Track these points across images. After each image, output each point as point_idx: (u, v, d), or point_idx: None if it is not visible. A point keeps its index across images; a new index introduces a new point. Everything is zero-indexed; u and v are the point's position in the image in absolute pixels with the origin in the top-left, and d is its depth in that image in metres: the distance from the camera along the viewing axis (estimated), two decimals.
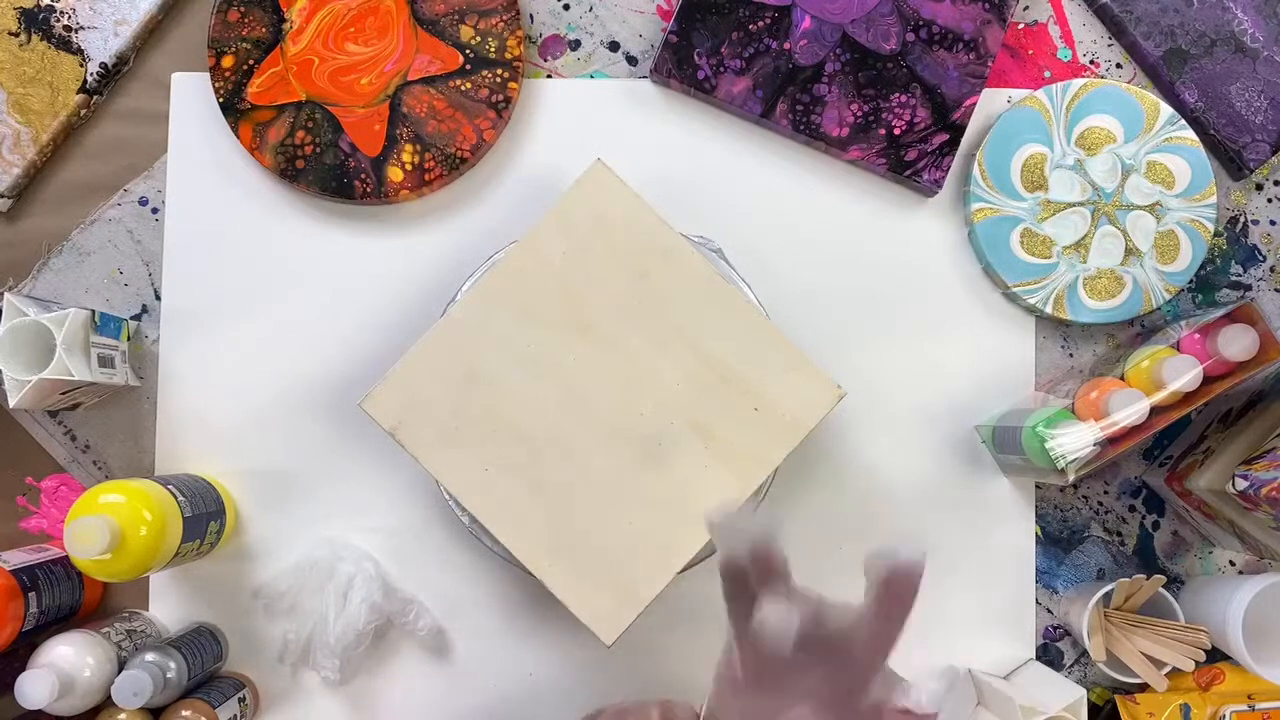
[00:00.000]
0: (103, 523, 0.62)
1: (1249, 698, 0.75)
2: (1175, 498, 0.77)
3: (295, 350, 0.78)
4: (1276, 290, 0.80)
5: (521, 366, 0.67)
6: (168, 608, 0.77)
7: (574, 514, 0.66)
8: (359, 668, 0.76)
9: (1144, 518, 0.80)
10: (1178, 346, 0.71)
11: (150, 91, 0.79)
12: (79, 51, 0.77)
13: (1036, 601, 0.78)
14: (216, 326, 0.78)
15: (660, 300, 0.67)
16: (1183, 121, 0.77)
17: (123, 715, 0.68)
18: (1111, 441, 0.69)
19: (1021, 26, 0.80)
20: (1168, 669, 0.74)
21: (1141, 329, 0.80)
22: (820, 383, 0.67)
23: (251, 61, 0.76)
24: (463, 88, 0.76)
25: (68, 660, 0.67)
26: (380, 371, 0.68)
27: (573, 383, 0.67)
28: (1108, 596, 0.76)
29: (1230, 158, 0.79)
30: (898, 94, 0.76)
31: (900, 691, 0.48)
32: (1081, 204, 0.77)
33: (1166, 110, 0.77)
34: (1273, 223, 0.80)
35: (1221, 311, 0.71)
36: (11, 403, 0.69)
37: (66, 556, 0.73)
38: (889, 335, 0.79)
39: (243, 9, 0.76)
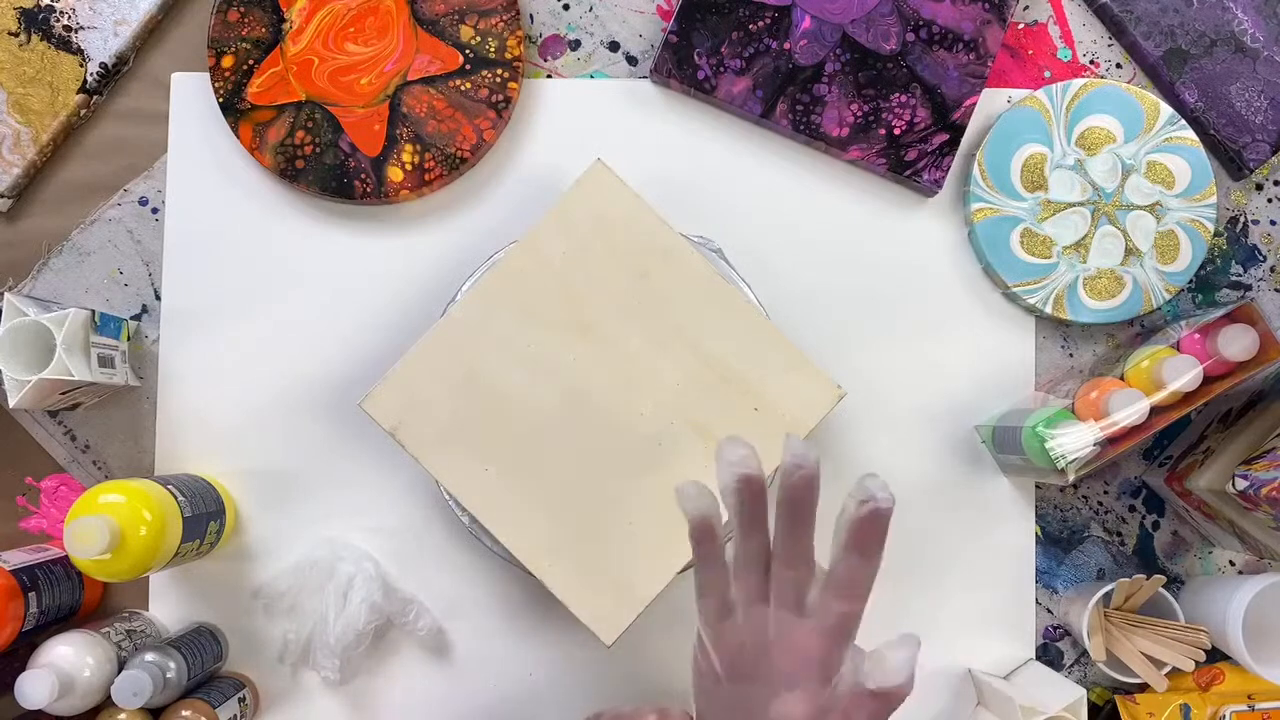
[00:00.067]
0: (103, 523, 0.62)
1: (1249, 698, 0.75)
2: (1175, 498, 0.77)
3: (295, 350, 0.78)
4: (1276, 290, 0.80)
5: (521, 366, 0.67)
6: (168, 608, 0.77)
7: (574, 514, 0.66)
8: (359, 668, 0.76)
9: (1144, 518, 0.80)
10: (1178, 346, 0.71)
11: (150, 91, 0.79)
12: (79, 51, 0.77)
13: (1036, 601, 0.78)
14: (216, 326, 0.78)
15: (660, 300, 0.67)
16: (1183, 121, 0.77)
17: (123, 715, 0.68)
18: (1111, 441, 0.69)
19: (1021, 26, 0.80)
20: (1168, 669, 0.74)
21: (1141, 329, 0.80)
22: (820, 383, 0.67)
23: (251, 61, 0.76)
24: (463, 88, 0.76)
25: (68, 660, 0.67)
26: (380, 371, 0.68)
27: (573, 383, 0.67)
28: (1108, 596, 0.76)
29: (1230, 158, 0.79)
30: (898, 94, 0.76)
31: (870, 667, 0.47)
32: (1081, 204, 0.77)
33: (1166, 110, 0.77)
34: (1273, 223, 0.80)
35: (1221, 311, 0.71)
36: (11, 403, 0.69)
37: (66, 556, 0.73)
38: (889, 335, 0.79)
39: (243, 9, 0.76)
